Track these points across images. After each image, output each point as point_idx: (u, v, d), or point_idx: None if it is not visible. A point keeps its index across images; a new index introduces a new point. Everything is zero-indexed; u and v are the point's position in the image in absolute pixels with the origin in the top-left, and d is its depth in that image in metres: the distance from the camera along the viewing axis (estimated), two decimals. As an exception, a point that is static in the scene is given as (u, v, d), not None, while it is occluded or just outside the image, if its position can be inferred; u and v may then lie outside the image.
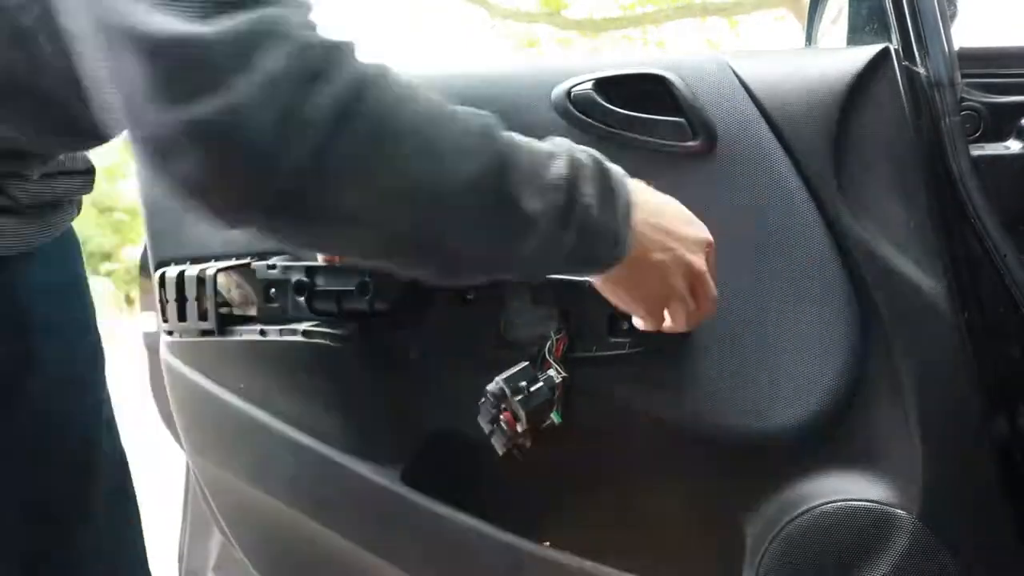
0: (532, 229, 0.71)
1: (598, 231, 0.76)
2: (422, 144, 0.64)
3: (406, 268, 0.74)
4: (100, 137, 0.78)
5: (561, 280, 0.96)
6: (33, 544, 0.86)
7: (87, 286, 0.98)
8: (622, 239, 0.77)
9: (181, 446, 1.28)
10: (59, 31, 0.64)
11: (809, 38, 1.43)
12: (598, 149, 0.98)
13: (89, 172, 0.87)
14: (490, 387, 0.95)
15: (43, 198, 0.81)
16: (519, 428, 0.95)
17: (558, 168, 0.73)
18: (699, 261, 0.83)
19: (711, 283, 0.85)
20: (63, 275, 0.94)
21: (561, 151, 0.76)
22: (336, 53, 0.59)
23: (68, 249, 0.93)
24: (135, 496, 0.96)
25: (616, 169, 0.80)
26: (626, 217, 0.78)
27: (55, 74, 0.68)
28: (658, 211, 0.82)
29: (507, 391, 0.94)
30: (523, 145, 0.73)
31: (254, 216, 0.60)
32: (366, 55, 0.62)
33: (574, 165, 0.75)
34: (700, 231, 0.85)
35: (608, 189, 0.77)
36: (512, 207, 0.70)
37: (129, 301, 7.45)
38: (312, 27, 0.59)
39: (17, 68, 0.69)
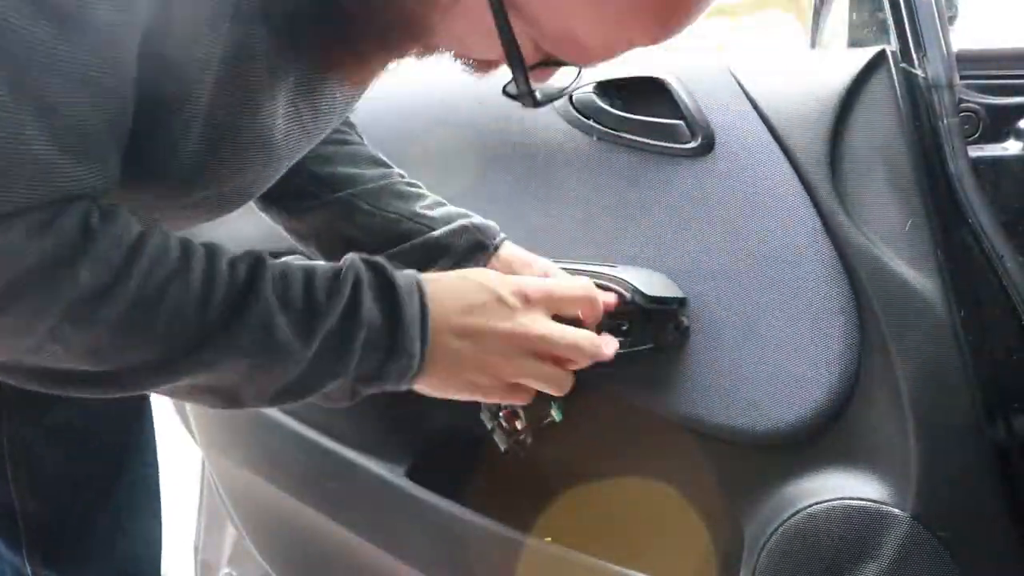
0: (300, 367, 0.67)
1: (388, 356, 0.71)
2: (174, 317, 0.62)
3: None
4: None
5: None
6: (78, 506, 0.99)
7: None
8: (415, 356, 0.72)
9: (195, 441, 1.31)
10: None
11: (814, 41, 1.43)
12: (598, 150, 1.01)
13: None
14: (490, 384, 0.96)
15: None
16: (519, 425, 0.97)
17: (333, 305, 0.68)
18: (528, 327, 0.76)
19: (561, 335, 0.78)
20: None
21: (344, 277, 0.70)
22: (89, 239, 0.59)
23: None
24: (158, 471, 1.07)
25: (403, 277, 0.73)
26: (420, 332, 0.72)
27: None
28: (459, 298, 0.75)
29: (506, 388, 0.95)
30: (292, 287, 0.68)
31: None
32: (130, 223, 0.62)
33: (355, 289, 0.70)
34: (517, 289, 0.77)
35: (395, 304, 0.71)
36: (282, 355, 0.66)
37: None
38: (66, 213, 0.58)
39: None
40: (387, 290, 0.72)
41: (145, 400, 1.04)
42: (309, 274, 0.69)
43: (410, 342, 0.72)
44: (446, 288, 0.76)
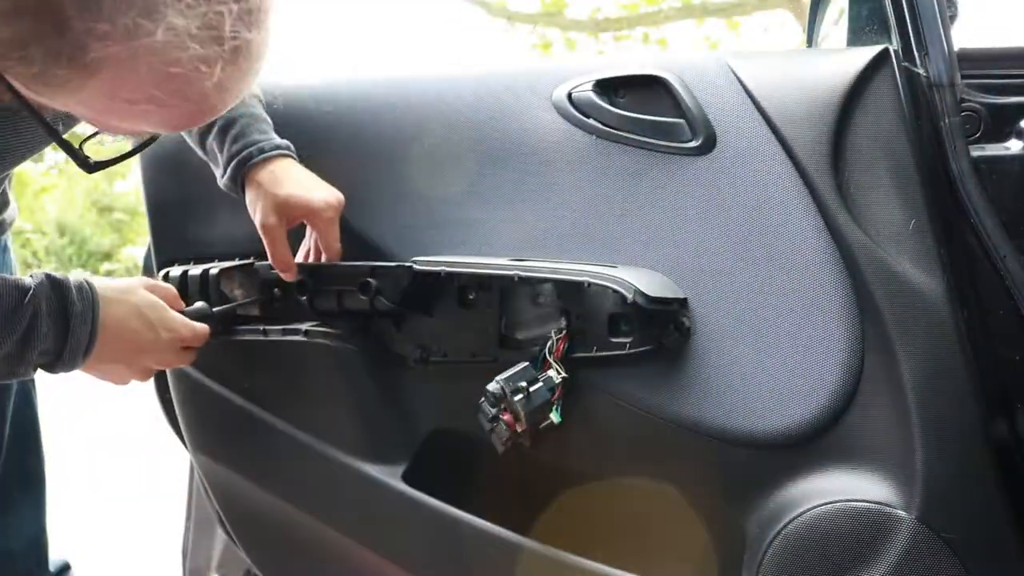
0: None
1: (57, 358, 0.90)
2: None
3: None
4: None
5: (562, 280, 0.96)
6: None
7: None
8: (78, 362, 0.92)
9: (184, 444, 1.28)
10: None
11: (810, 39, 1.43)
12: (598, 149, 1.00)
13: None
14: (490, 387, 0.95)
15: None
16: (518, 428, 0.95)
17: (20, 319, 0.86)
18: (153, 362, 0.99)
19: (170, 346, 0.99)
20: None
21: (30, 302, 0.87)
22: None
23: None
24: (42, 461, 1.12)
25: (79, 300, 0.91)
26: (85, 347, 0.91)
27: None
28: (120, 325, 0.95)
29: (507, 391, 0.94)
30: None
31: None
32: None
33: (35, 312, 0.87)
34: (160, 334, 0.98)
35: (64, 321, 0.90)
36: None
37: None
38: None
39: None
40: (61, 317, 0.90)
41: (31, 386, 1.02)
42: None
43: (76, 356, 0.91)
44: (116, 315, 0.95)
